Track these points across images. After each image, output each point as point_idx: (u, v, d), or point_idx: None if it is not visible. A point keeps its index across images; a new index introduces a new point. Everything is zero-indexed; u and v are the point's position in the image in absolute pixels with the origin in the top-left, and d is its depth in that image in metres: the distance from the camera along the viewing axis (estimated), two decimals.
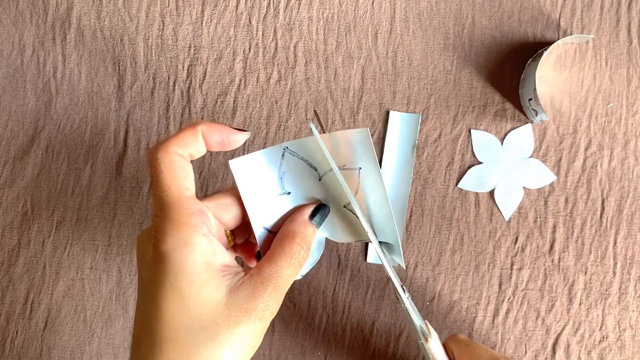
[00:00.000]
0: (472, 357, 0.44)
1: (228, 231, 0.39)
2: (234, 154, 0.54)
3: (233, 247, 0.40)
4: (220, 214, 0.37)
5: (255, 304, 0.34)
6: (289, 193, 0.39)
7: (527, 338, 0.53)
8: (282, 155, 0.37)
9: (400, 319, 0.53)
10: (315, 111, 0.40)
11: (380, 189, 0.38)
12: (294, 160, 0.38)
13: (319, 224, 0.38)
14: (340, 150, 0.37)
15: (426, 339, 0.43)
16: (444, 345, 0.45)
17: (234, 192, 0.38)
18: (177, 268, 0.33)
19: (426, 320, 0.44)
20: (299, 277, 0.39)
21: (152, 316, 0.34)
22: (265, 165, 0.37)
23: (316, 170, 0.38)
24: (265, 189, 0.38)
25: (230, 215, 0.38)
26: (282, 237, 0.37)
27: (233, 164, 0.36)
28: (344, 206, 0.39)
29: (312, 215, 0.38)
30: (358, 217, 0.38)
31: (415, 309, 0.43)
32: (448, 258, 0.53)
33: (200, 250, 0.33)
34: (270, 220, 0.39)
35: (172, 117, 0.55)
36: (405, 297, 0.42)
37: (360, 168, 0.37)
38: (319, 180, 0.38)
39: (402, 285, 0.42)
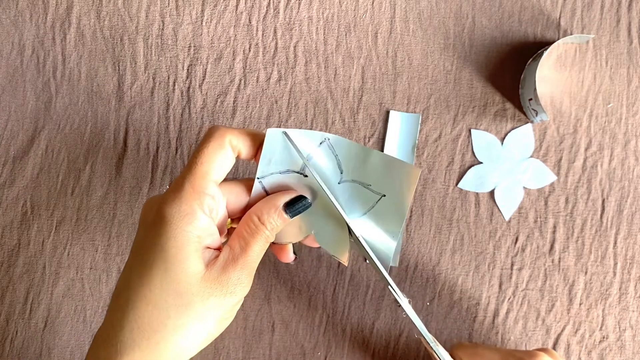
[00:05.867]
0: (484, 359, 0.44)
1: (229, 220, 0.40)
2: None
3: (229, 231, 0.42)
4: (228, 199, 0.39)
5: (226, 277, 0.36)
6: (306, 176, 0.39)
7: (527, 338, 0.53)
8: (320, 143, 0.38)
9: (401, 319, 0.53)
10: (285, 133, 0.39)
11: (396, 222, 0.38)
12: (327, 153, 0.38)
13: (293, 216, 0.38)
14: (374, 170, 0.38)
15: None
16: (450, 355, 0.44)
17: (248, 185, 0.39)
18: (171, 233, 0.35)
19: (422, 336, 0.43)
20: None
21: (135, 273, 0.36)
22: (299, 143, 0.38)
23: (341, 173, 0.38)
24: (286, 162, 0.38)
25: (237, 204, 0.39)
26: (253, 216, 0.38)
27: (270, 132, 0.37)
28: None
29: (288, 205, 0.38)
30: (352, 236, 0.39)
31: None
32: (448, 258, 0.53)
33: (197, 225, 0.35)
34: (272, 185, 0.39)
35: (171, 117, 0.55)
36: (405, 303, 0.41)
37: (384, 195, 0.38)
38: (338, 183, 0.39)
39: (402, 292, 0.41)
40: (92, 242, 0.55)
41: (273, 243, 0.40)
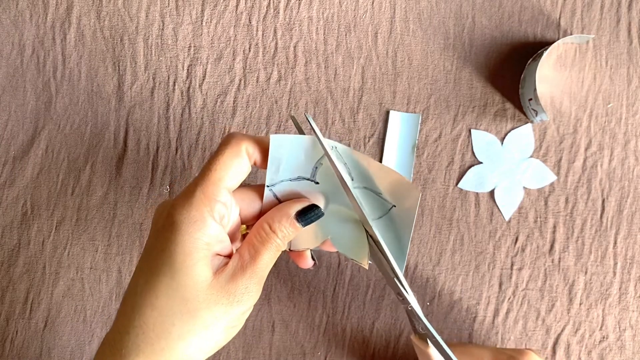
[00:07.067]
0: (474, 357, 0.44)
1: (244, 226, 0.40)
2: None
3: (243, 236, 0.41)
4: (241, 206, 0.38)
5: (234, 286, 0.35)
6: (317, 183, 0.39)
7: (527, 338, 0.53)
8: (330, 149, 0.37)
9: (401, 319, 0.53)
10: (292, 117, 0.40)
11: (406, 234, 0.38)
12: (337, 161, 0.38)
13: (306, 225, 0.38)
14: (381, 182, 0.38)
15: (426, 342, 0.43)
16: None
17: (261, 191, 0.39)
18: (180, 239, 0.35)
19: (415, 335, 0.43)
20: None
21: (143, 279, 0.36)
22: (305, 150, 0.38)
23: (352, 180, 0.38)
24: (295, 169, 0.38)
25: (250, 211, 0.39)
26: (264, 224, 0.37)
27: (274, 138, 0.37)
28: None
29: (300, 214, 0.38)
30: (369, 237, 0.39)
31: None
32: (448, 258, 0.53)
33: (207, 232, 0.35)
34: (283, 193, 0.39)
35: (172, 117, 0.55)
36: (413, 298, 0.41)
37: (394, 206, 0.38)
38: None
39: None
40: (92, 242, 0.55)
41: (290, 250, 0.40)
